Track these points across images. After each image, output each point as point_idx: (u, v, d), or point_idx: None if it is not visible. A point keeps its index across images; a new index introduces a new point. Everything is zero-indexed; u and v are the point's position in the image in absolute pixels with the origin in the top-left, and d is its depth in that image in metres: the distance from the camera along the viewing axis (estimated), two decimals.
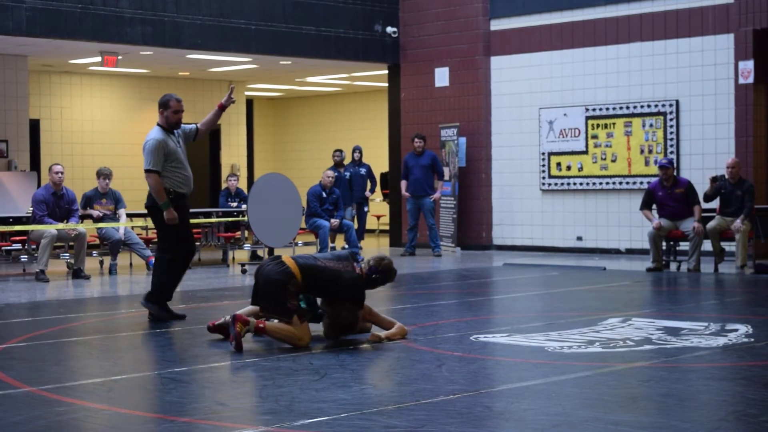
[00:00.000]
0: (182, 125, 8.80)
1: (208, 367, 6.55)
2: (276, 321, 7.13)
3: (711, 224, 12.76)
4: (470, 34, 17.12)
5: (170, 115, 8.62)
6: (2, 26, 14.00)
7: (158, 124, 8.66)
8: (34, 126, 18.40)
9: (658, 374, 6.20)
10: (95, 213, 13.63)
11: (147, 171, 8.56)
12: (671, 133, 15.10)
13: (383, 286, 7.70)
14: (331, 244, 15.35)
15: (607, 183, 15.75)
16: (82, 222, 13.49)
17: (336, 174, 16.26)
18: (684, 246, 13.32)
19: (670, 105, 15.10)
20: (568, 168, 16.11)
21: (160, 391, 5.88)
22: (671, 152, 15.03)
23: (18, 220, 13.54)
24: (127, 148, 19.88)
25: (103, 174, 13.76)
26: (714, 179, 12.88)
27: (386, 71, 18.57)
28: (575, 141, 16.03)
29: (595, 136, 15.84)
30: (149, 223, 15.17)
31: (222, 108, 8.77)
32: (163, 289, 8.79)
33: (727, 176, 12.83)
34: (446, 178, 16.76)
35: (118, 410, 5.36)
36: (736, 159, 13.04)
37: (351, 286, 7.15)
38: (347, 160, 17.70)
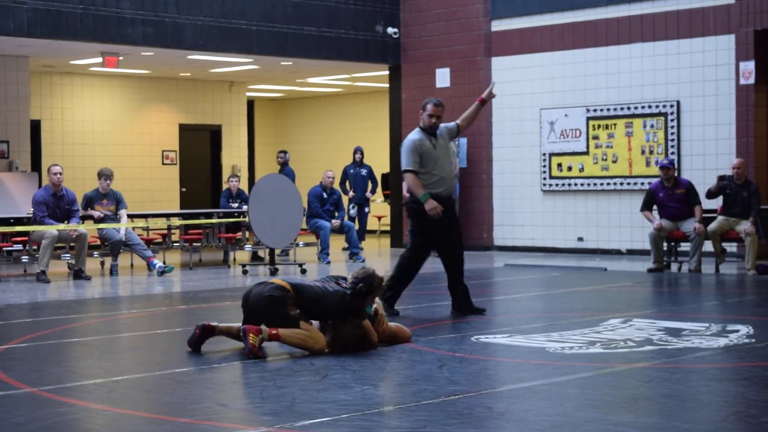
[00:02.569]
0: (444, 123, 8.95)
1: (209, 367, 6.55)
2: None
3: (712, 226, 12.75)
4: (471, 34, 17.12)
5: (426, 117, 8.77)
6: (3, 27, 14.01)
7: (419, 126, 8.80)
8: (35, 127, 18.40)
9: (659, 375, 6.20)
10: (96, 214, 13.63)
11: (403, 171, 8.75)
12: (672, 133, 15.10)
13: (377, 298, 7.41)
14: None
15: (608, 184, 15.75)
16: (83, 223, 13.49)
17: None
18: (685, 247, 13.32)
19: (671, 106, 15.10)
20: (569, 169, 16.10)
21: (161, 391, 5.88)
22: (672, 153, 15.03)
23: (19, 221, 13.55)
24: (128, 149, 19.89)
25: (104, 175, 13.76)
26: (722, 178, 12.87)
27: (387, 72, 18.57)
28: (576, 142, 16.03)
29: (596, 137, 15.84)
30: (150, 223, 15.21)
31: (482, 102, 8.94)
32: (393, 284, 8.81)
33: (734, 177, 12.83)
34: None
35: (119, 411, 5.36)
36: (742, 160, 13.03)
37: (340, 300, 7.04)
38: (349, 161, 17.70)
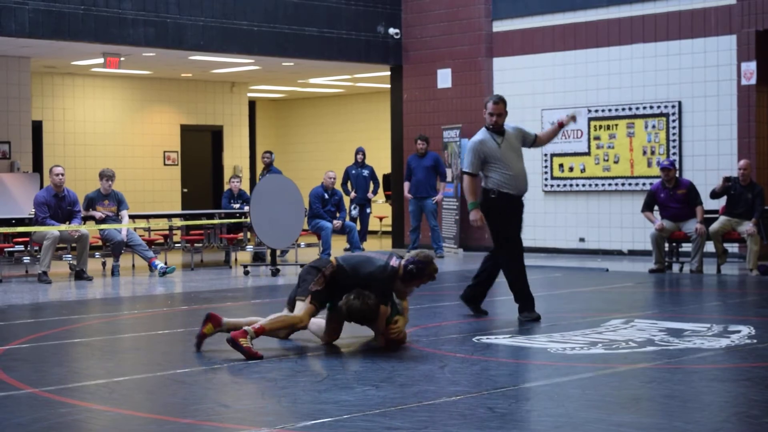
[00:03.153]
0: (525, 130, 8.76)
1: (210, 368, 6.55)
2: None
3: (714, 226, 12.75)
4: (472, 35, 17.12)
5: (487, 117, 8.61)
6: (5, 28, 14.02)
7: (485, 125, 8.66)
8: (37, 127, 18.40)
9: (661, 375, 6.20)
10: (97, 214, 13.64)
11: (463, 172, 8.65)
12: (674, 134, 15.10)
13: (423, 285, 7.34)
14: None
15: (610, 184, 15.74)
16: (84, 223, 13.49)
17: (261, 177, 16.40)
18: (686, 247, 13.32)
19: (673, 106, 15.10)
20: (571, 169, 16.10)
21: (163, 392, 5.89)
22: (674, 153, 15.02)
23: (20, 222, 13.55)
24: (129, 150, 19.90)
25: (106, 175, 13.77)
26: (727, 179, 12.87)
27: (389, 72, 18.57)
28: (578, 142, 16.02)
29: (597, 138, 15.84)
30: (151, 224, 15.21)
31: (561, 126, 8.78)
32: (523, 293, 8.64)
33: (739, 178, 12.82)
34: (448, 179, 16.76)
35: (120, 411, 5.36)
36: (748, 161, 13.02)
37: (375, 271, 7.03)
38: (350, 161, 17.70)
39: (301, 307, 7.02)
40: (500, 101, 8.62)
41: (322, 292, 7.05)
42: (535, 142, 8.86)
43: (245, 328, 6.89)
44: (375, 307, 7.04)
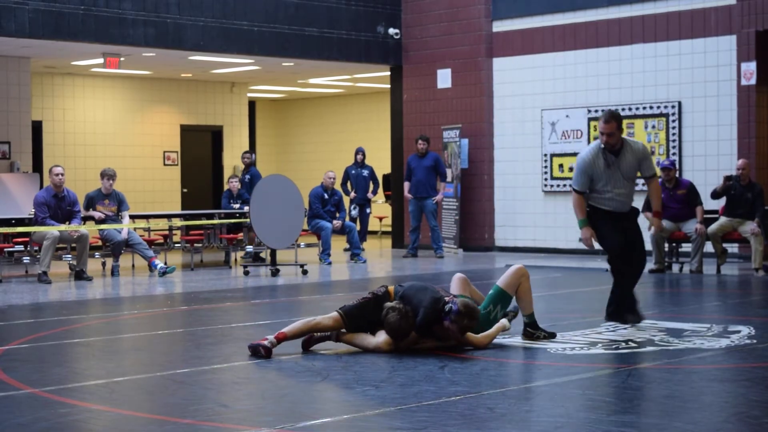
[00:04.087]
0: (648, 161, 8.54)
1: (210, 368, 6.55)
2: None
3: (713, 227, 12.74)
4: (472, 35, 17.12)
5: (600, 136, 8.41)
6: (5, 28, 14.02)
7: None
8: (37, 128, 18.40)
9: (661, 376, 6.20)
10: (97, 214, 13.63)
11: (572, 189, 8.50)
12: (674, 134, 15.10)
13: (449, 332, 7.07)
14: None
15: None
16: (84, 223, 13.49)
17: (240, 177, 16.41)
18: (686, 248, 13.31)
19: (673, 106, 15.09)
20: (571, 169, 16.09)
21: (163, 392, 5.88)
22: (674, 154, 15.02)
23: (20, 222, 13.55)
24: (129, 150, 19.90)
25: (107, 175, 13.76)
26: (728, 178, 12.86)
27: (388, 73, 18.57)
28: (577, 142, 16.02)
29: (597, 138, 15.80)
30: (151, 224, 15.21)
31: (656, 215, 8.71)
32: (617, 300, 8.36)
33: (739, 177, 12.81)
34: (448, 179, 16.76)
35: (120, 412, 5.37)
36: (746, 161, 13.01)
37: (426, 299, 6.90)
38: (350, 161, 17.70)
39: (330, 315, 7.05)
40: (611, 119, 8.29)
41: (358, 312, 7.00)
42: (648, 180, 8.62)
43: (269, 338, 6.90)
44: (408, 329, 6.93)
